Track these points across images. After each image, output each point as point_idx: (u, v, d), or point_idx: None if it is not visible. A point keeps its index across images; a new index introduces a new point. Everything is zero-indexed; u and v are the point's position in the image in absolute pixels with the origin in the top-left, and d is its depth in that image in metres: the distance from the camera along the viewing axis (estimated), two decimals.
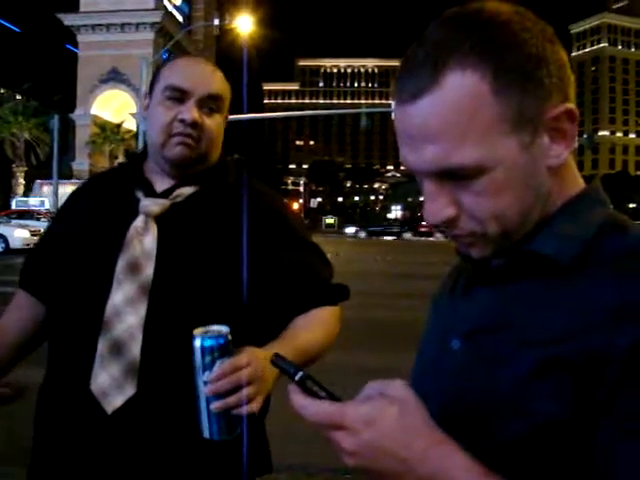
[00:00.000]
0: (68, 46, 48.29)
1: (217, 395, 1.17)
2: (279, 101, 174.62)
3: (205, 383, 1.16)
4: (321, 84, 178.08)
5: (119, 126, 47.54)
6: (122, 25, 49.66)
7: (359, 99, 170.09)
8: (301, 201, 78.91)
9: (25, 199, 35.88)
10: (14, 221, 24.33)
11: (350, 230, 60.63)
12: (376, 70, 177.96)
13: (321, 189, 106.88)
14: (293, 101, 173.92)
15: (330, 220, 74.11)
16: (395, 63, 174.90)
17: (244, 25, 29.09)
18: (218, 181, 1.54)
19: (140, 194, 1.49)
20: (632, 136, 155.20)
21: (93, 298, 1.40)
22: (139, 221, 1.44)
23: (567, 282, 0.75)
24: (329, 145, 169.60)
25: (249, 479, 1.47)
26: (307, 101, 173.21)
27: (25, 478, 1.46)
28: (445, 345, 0.85)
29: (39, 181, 37.36)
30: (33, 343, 1.57)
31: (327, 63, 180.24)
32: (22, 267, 1.63)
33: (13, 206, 34.07)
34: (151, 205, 1.46)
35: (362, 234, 56.92)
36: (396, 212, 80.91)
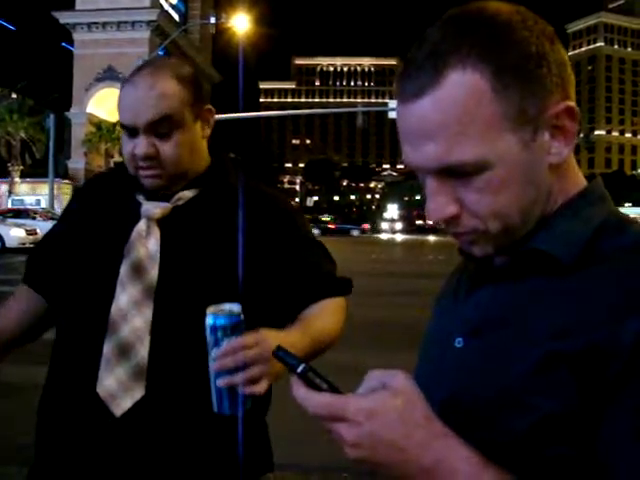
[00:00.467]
0: (64, 44, 48.17)
1: (223, 372, 1.19)
2: (275, 100, 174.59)
3: (213, 360, 1.19)
4: (317, 83, 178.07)
5: (115, 125, 47.32)
6: (118, 23, 49.51)
7: (355, 98, 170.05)
8: (297, 200, 78.93)
9: (21, 198, 35.83)
10: (10, 220, 24.26)
11: (315, 231, 61.10)
12: (372, 69, 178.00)
13: (317, 188, 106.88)
14: (289, 100, 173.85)
15: (326, 219, 74.13)
16: (392, 62, 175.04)
17: (240, 24, 29.07)
18: (218, 182, 1.54)
19: (141, 197, 1.49)
20: (628, 135, 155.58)
21: (97, 301, 1.41)
22: (142, 224, 1.45)
23: (569, 279, 0.75)
24: (325, 144, 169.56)
25: (250, 478, 1.48)
26: (303, 100, 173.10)
27: (22, 477, 1.46)
28: (449, 343, 0.86)
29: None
30: (28, 336, 1.57)
31: (323, 62, 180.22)
32: (26, 262, 1.64)
33: (9, 205, 34.02)
34: (153, 209, 1.46)
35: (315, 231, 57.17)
36: (392, 210, 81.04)
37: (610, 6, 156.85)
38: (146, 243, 1.44)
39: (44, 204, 33.47)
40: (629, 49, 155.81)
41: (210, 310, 1.20)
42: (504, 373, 0.76)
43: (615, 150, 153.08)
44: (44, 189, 36.20)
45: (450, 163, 0.75)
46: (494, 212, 0.77)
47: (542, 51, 0.75)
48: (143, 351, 1.36)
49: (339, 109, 50.76)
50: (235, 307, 1.21)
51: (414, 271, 17.67)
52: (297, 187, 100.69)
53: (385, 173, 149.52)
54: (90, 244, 1.49)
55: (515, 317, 0.78)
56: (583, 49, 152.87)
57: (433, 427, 0.70)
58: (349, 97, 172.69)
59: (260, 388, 1.23)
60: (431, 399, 0.72)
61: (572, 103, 0.77)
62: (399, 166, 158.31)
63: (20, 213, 27.11)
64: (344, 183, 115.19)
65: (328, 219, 73.22)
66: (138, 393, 1.35)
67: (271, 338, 1.23)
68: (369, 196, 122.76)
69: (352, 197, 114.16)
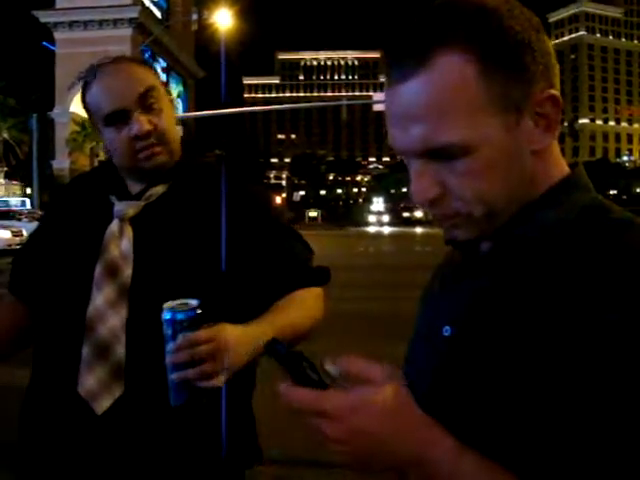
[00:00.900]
0: (45, 44, 47.75)
1: (177, 366, 1.20)
2: (259, 95, 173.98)
3: (169, 354, 1.21)
4: (301, 77, 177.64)
5: None
6: (100, 22, 49.14)
7: (340, 91, 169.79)
8: (284, 195, 78.86)
9: (6, 199, 35.54)
10: None
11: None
12: (356, 62, 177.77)
13: (303, 182, 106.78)
14: (274, 95, 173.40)
15: (313, 213, 74.06)
16: (375, 55, 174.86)
17: (223, 20, 28.96)
18: (189, 174, 1.54)
19: (114, 198, 1.51)
20: (612, 123, 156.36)
21: (74, 303, 1.42)
22: (114, 225, 1.47)
23: (553, 264, 0.76)
24: (310, 138, 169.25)
25: (237, 470, 1.50)
26: (288, 94, 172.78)
27: (4, 477, 1.47)
28: (436, 332, 0.86)
29: None
30: (15, 347, 1.57)
31: (307, 56, 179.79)
32: (11, 270, 1.63)
33: None
34: (125, 208, 1.48)
35: None
36: (379, 203, 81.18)
37: None
38: (119, 243, 1.45)
39: (29, 205, 33.22)
40: (610, 37, 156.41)
41: (167, 305, 1.21)
42: (492, 360, 0.76)
43: (599, 138, 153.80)
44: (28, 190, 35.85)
45: (436, 145, 0.76)
46: (477, 196, 0.78)
47: (528, 40, 0.76)
48: (120, 350, 1.38)
49: (324, 103, 50.76)
50: (192, 302, 1.22)
51: (403, 263, 17.72)
52: (283, 182, 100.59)
53: (371, 166, 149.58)
54: (65, 247, 1.50)
55: (500, 303, 0.79)
56: (565, 38, 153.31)
57: (417, 419, 0.71)
58: (333, 91, 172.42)
59: (216, 382, 1.23)
60: (420, 388, 0.72)
61: (556, 92, 0.79)
62: (385, 159, 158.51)
63: (5, 215, 26.94)
64: (330, 177, 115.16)
65: (315, 214, 73.20)
66: (118, 391, 1.37)
67: (228, 333, 1.26)
68: (356, 189, 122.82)
69: (339, 191, 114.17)
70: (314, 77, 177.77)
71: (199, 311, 1.22)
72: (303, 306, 1.51)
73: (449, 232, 0.84)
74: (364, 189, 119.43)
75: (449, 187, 0.79)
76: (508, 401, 0.73)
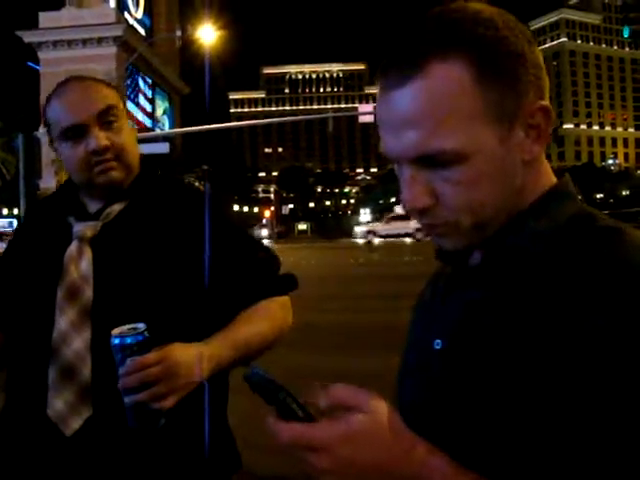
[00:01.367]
0: (29, 64, 47.66)
1: (129, 390, 1.23)
2: (245, 110, 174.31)
3: (119, 378, 1.23)
4: (287, 91, 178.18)
5: None
6: (84, 40, 49.16)
7: (325, 104, 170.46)
8: (272, 209, 78.80)
9: None
10: None
11: None
12: (341, 74, 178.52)
13: (292, 195, 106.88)
14: (260, 109, 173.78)
15: (303, 226, 74.09)
16: (360, 67, 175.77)
17: (207, 36, 29.01)
18: (147, 191, 1.54)
19: (72, 219, 1.51)
20: (596, 128, 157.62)
21: (39, 326, 1.43)
22: (73, 246, 1.47)
23: (544, 273, 0.76)
24: (298, 151, 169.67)
25: (223, 479, 1.51)
26: (274, 108, 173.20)
27: None
28: (428, 346, 0.86)
29: None
30: None
31: (292, 70, 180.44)
32: None
33: None
34: (83, 229, 1.48)
35: None
36: (367, 214, 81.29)
37: (570, 2, 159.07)
38: (78, 265, 1.45)
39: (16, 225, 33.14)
40: (591, 43, 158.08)
41: (115, 331, 1.23)
42: (484, 373, 0.76)
43: (584, 143, 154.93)
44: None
45: (429, 151, 0.76)
46: (467, 205, 0.78)
47: (521, 51, 0.77)
48: (86, 372, 1.39)
49: (310, 116, 50.88)
50: (139, 326, 1.24)
51: (394, 273, 17.73)
52: (272, 196, 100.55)
53: (359, 177, 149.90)
54: (28, 271, 1.51)
55: (491, 315, 0.79)
56: (547, 45, 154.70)
57: (409, 443, 0.70)
58: (319, 104, 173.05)
59: (167, 403, 1.25)
60: (412, 402, 0.72)
61: (547, 103, 0.80)
62: (373, 170, 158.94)
63: None
64: (319, 189, 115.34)
65: (305, 227, 73.19)
66: (86, 413, 1.38)
67: (179, 353, 1.28)
68: (344, 201, 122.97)
69: (327, 203, 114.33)
70: (300, 90, 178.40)
71: (147, 334, 1.23)
72: (268, 316, 1.51)
73: (436, 241, 0.84)
74: (352, 200, 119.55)
75: (440, 196, 0.78)
76: (501, 413, 0.73)
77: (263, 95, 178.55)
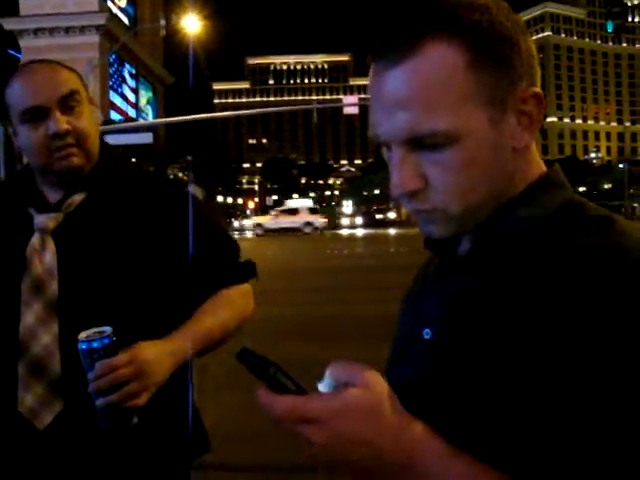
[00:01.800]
0: (10, 51, 47.12)
1: (100, 393, 1.24)
2: (230, 100, 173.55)
3: (90, 382, 1.24)
4: (271, 82, 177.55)
5: None
6: (66, 29, 48.72)
7: (310, 95, 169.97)
8: (256, 200, 78.55)
9: None
10: None
11: None
12: (326, 66, 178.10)
13: (276, 187, 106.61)
14: (244, 100, 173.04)
15: None
16: (345, 58, 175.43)
17: (191, 25, 28.80)
18: (108, 180, 1.52)
19: (32, 210, 1.48)
20: (579, 121, 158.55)
21: (5, 322, 1.41)
22: (35, 239, 1.44)
23: (531, 262, 0.77)
24: (282, 142, 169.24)
25: (186, 461, 1.53)
26: (258, 99, 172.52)
27: None
28: (416, 336, 0.86)
29: None
30: None
31: (277, 60, 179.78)
32: None
33: None
34: (45, 221, 1.45)
35: None
36: (352, 206, 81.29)
37: None
38: (42, 258, 1.42)
39: None
40: (575, 37, 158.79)
41: (81, 336, 1.23)
42: (472, 362, 0.76)
43: (567, 136, 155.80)
44: None
45: (421, 131, 0.75)
46: (457, 189, 0.78)
47: (515, 38, 0.78)
48: (56, 366, 1.38)
49: (294, 107, 50.76)
50: (106, 329, 1.24)
51: (379, 265, 17.76)
52: (256, 187, 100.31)
53: (343, 169, 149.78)
54: None
55: (480, 303, 0.79)
56: (532, 38, 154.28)
57: (403, 421, 0.70)
58: (304, 95, 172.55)
59: (141, 402, 1.27)
60: (401, 392, 0.71)
61: (539, 90, 0.80)
62: (357, 161, 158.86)
63: None
64: (303, 181, 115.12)
65: None
66: (57, 406, 1.38)
67: (146, 352, 1.29)
68: (328, 192, 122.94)
69: (312, 194, 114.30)
70: (284, 81, 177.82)
71: (113, 337, 1.24)
72: (229, 306, 1.53)
73: (424, 227, 0.83)
74: (337, 192, 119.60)
75: (430, 180, 0.78)
76: (490, 402, 0.73)
77: (247, 86, 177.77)
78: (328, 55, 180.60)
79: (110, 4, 54.33)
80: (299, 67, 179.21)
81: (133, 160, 36.24)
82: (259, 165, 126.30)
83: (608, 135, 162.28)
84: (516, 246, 0.79)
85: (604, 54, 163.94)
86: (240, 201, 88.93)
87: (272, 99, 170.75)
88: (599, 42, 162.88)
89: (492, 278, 0.79)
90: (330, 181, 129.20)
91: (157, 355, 1.32)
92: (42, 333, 1.39)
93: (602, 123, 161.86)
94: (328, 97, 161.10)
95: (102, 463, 1.40)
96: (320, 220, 47.32)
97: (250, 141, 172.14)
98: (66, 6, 48.76)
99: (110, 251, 1.43)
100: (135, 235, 1.45)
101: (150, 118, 59.94)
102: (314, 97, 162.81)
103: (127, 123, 34.00)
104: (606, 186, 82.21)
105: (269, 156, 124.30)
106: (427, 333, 0.84)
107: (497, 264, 0.80)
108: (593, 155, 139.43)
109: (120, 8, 57.64)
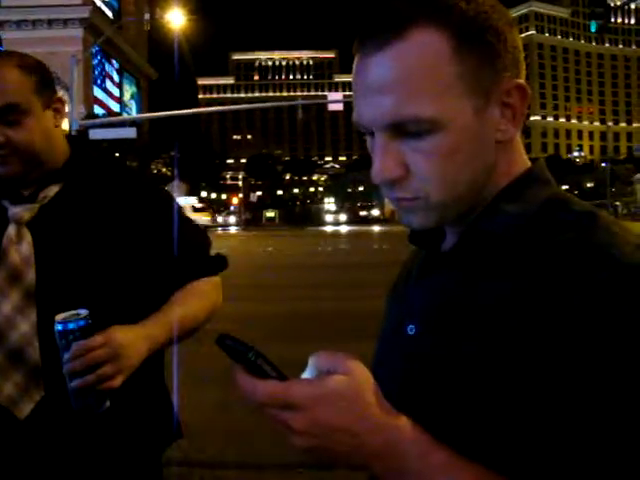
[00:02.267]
0: None
1: (75, 374, 1.24)
2: (214, 96, 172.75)
3: (65, 363, 1.25)
4: (256, 77, 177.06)
5: None
6: (49, 21, 48.27)
7: (295, 91, 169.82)
8: (240, 195, 78.33)
9: None
10: None
11: None
12: (311, 62, 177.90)
13: (260, 183, 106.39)
14: (229, 95, 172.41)
15: (270, 214, 73.77)
16: (330, 55, 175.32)
17: (176, 19, 28.67)
18: (82, 173, 1.54)
19: (6, 202, 1.50)
20: (562, 120, 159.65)
21: None
22: (11, 230, 1.46)
23: (514, 257, 0.77)
24: (267, 138, 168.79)
25: (158, 448, 1.57)
26: (243, 95, 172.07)
27: None
28: (401, 331, 0.86)
29: None
30: None
31: (262, 56, 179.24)
32: None
33: None
34: (20, 212, 1.47)
35: None
36: (335, 202, 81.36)
37: None
38: (18, 248, 1.44)
39: None
40: (559, 37, 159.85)
41: (57, 318, 1.24)
42: (456, 357, 0.76)
43: (550, 135, 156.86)
44: None
45: (404, 117, 0.75)
46: (439, 177, 0.77)
47: (501, 29, 0.78)
48: (35, 354, 1.39)
49: (279, 103, 50.65)
50: (82, 311, 1.26)
51: (363, 261, 17.79)
52: (240, 183, 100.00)
53: (328, 166, 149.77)
54: None
55: (464, 300, 0.79)
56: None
57: (385, 409, 0.70)
58: (289, 91, 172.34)
59: (115, 384, 1.28)
60: (386, 387, 0.71)
61: (523, 82, 0.80)
62: (342, 158, 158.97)
63: None
64: (287, 177, 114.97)
65: (272, 214, 72.98)
66: (37, 395, 1.39)
67: (121, 335, 1.31)
68: (312, 189, 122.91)
69: (296, 191, 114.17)
70: (269, 77, 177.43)
71: (89, 320, 1.26)
72: (200, 297, 1.57)
73: (404, 217, 0.83)
74: (321, 188, 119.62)
75: (412, 168, 0.78)
76: (475, 397, 0.73)
77: (232, 81, 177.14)
78: (313, 52, 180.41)
79: None
80: (284, 63, 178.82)
81: (117, 155, 36.00)
82: (243, 161, 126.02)
83: (591, 134, 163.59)
84: (501, 242, 0.79)
85: (587, 54, 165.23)
86: (224, 197, 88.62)
87: (257, 95, 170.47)
88: (583, 42, 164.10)
89: (475, 274, 0.79)
90: (314, 177, 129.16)
91: (132, 339, 1.34)
92: (20, 322, 1.40)
93: (585, 122, 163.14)
94: (313, 93, 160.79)
95: (82, 450, 1.42)
96: (204, 219, 46.12)
97: (235, 137, 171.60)
98: None
99: (85, 241, 1.46)
100: (109, 226, 1.48)
101: (134, 113, 59.55)
102: (299, 93, 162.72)
103: (111, 118, 33.79)
104: (589, 185, 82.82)
105: (253, 152, 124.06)
106: (411, 329, 0.84)
107: (482, 260, 0.80)
108: (576, 154, 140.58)
109: (104, 1, 57.17)
